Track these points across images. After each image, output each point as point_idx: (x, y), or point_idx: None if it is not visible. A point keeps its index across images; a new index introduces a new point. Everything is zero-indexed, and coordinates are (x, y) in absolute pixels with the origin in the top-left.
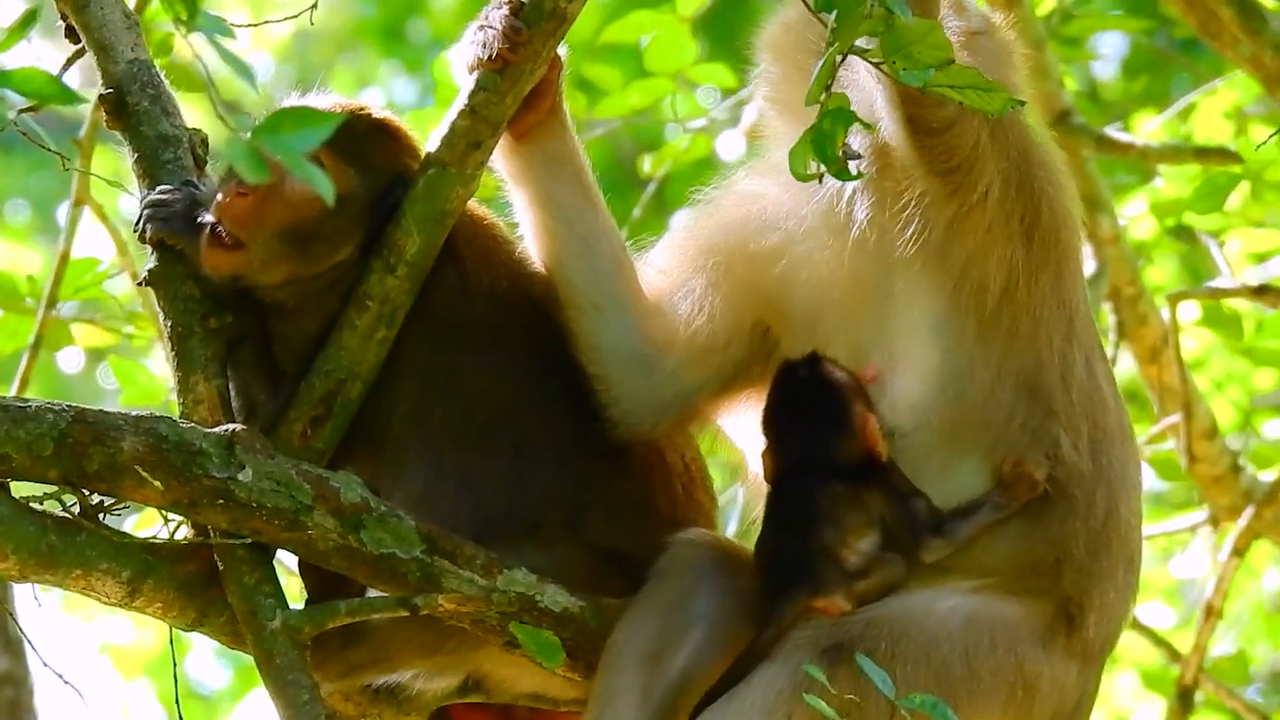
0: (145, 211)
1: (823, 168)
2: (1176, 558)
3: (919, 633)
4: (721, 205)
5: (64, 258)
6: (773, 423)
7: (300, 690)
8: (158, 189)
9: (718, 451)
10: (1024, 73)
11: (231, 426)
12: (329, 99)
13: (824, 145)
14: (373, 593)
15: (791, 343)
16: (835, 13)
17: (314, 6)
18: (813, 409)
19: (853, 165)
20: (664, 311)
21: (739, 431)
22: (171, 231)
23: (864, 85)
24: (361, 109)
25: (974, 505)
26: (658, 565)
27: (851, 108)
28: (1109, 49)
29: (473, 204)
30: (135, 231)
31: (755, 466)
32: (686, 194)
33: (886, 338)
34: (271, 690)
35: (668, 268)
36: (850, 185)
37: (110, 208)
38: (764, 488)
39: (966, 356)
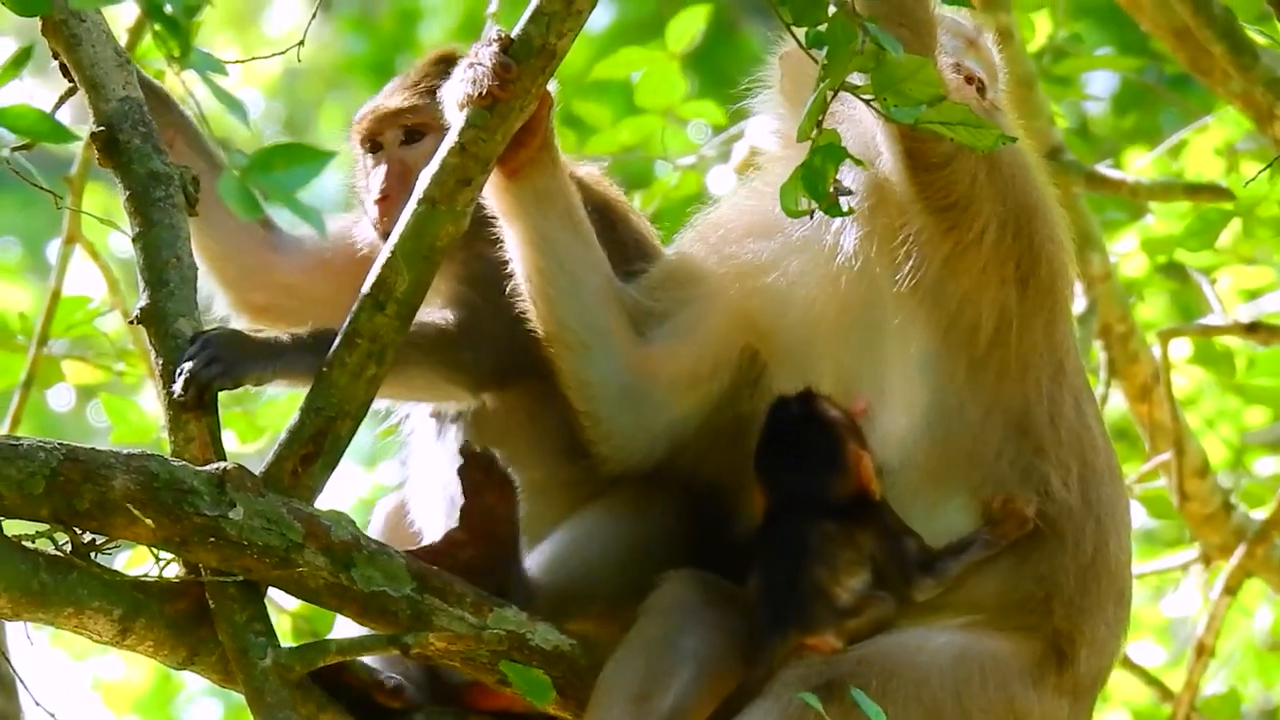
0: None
1: (814, 204)
2: (1168, 596)
3: (910, 670)
4: (714, 226)
5: (55, 295)
6: (764, 459)
7: None
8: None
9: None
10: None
11: (222, 465)
12: None
13: (815, 181)
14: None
15: (779, 370)
16: (826, 49)
17: (301, 43)
18: (806, 446)
19: (843, 201)
20: (652, 344)
21: (726, 464)
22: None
23: (861, 119)
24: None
25: (964, 543)
26: (647, 603)
27: (847, 142)
28: (1099, 86)
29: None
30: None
31: (744, 502)
32: (676, 230)
33: (876, 372)
34: None
35: (655, 298)
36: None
37: (101, 245)
38: (754, 523)
39: (956, 395)
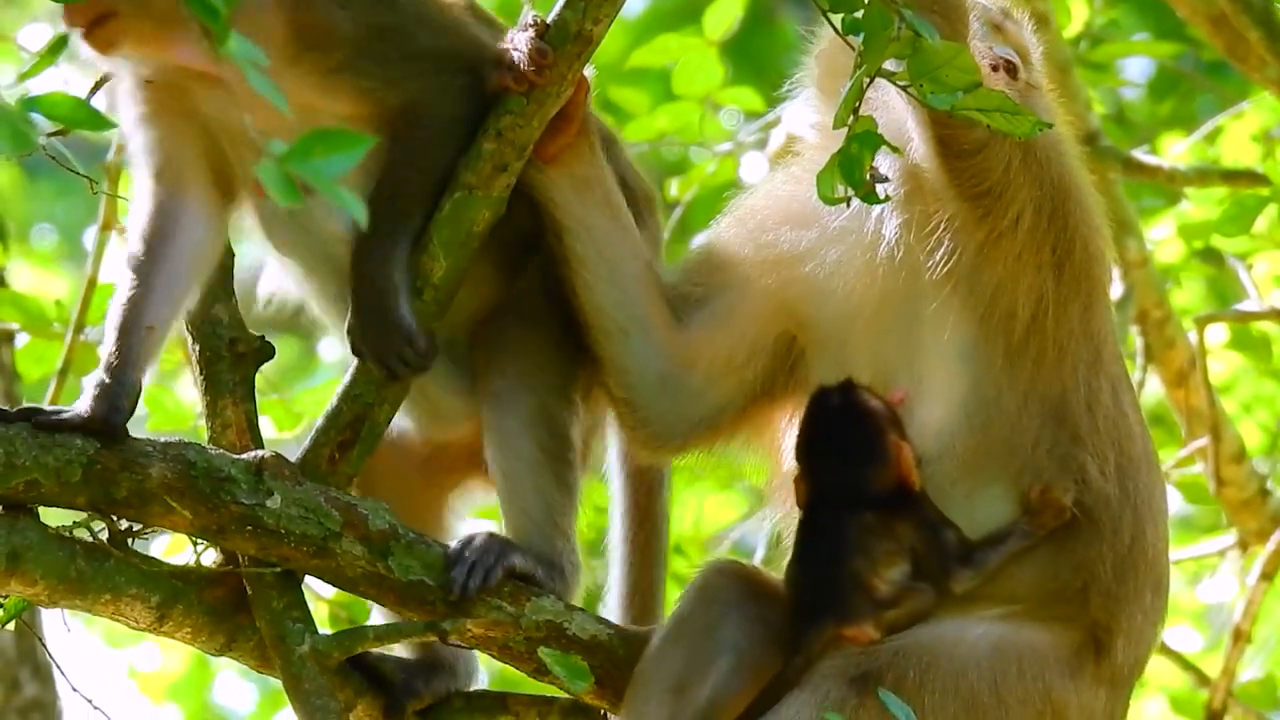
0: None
1: (850, 191)
2: (1204, 582)
3: (947, 661)
4: (752, 211)
5: (91, 283)
6: (806, 450)
7: (328, 714)
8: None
9: (745, 476)
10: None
11: (260, 453)
12: None
13: (851, 169)
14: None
15: (817, 357)
16: (863, 35)
17: None
18: (846, 437)
19: (880, 189)
20: (690, 329)
21: (765, 452)
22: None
23: (894, 107)
24: None
25: (1002, 534)
26: (685, 593)
27: (881, 130)
28: (1135, 72)
29: None
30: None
31: (782, 491)
32: (711, 218)
33: (914, 361)
34: (300, 714)
35: (693, 284)
36: (878, 207)
37: None
38: (793, 513)
39: (994, 383)
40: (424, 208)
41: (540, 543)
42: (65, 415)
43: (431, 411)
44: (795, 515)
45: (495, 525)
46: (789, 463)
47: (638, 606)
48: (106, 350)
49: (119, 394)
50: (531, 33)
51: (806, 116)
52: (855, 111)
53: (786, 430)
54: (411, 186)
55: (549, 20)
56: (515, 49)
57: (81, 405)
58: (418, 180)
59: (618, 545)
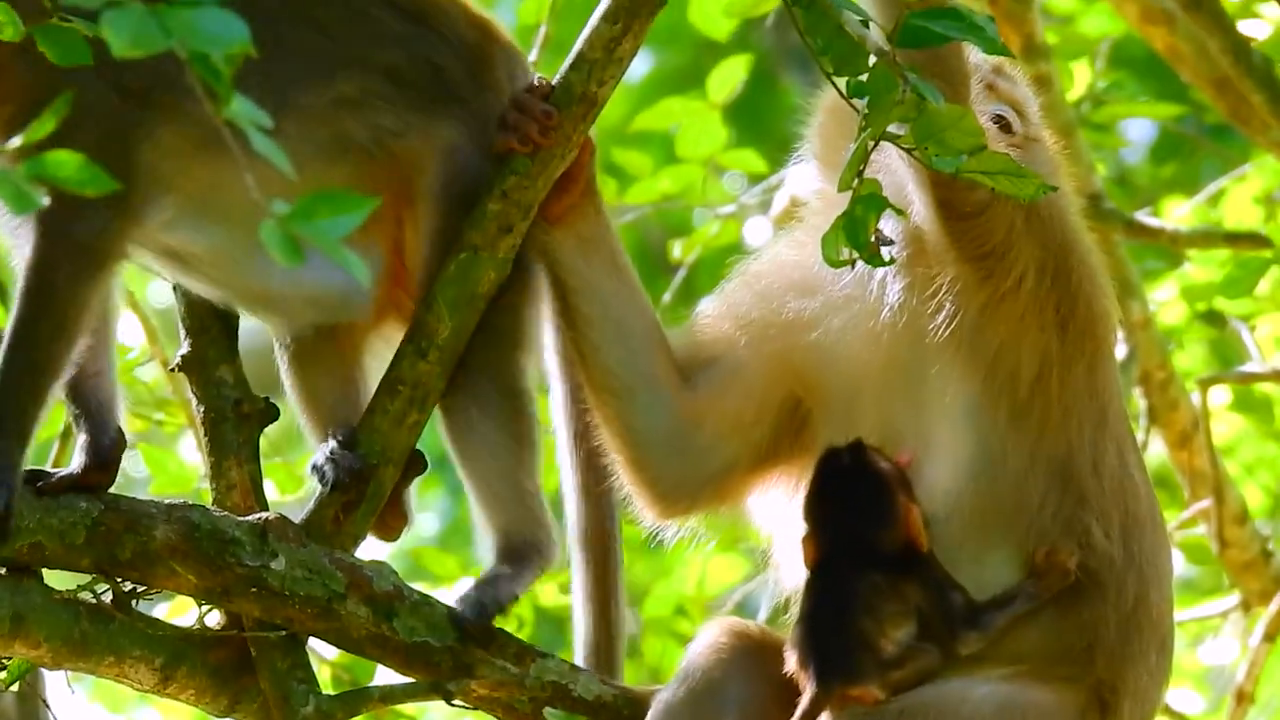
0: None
1: (854, 253)
2: (1206, 643)
3: None
4: (758, 275)
5: None
6: (814, 510)
7: None
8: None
9: (748, 538)
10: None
11: (264, 515)
12: None
13: (856, 231)
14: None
15: (824, 419)
16: (867, 98)
17: None
18: (855, 498)
19: (885, 251)
20: (697, 389)
21: (769, 512)
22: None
23: (895, 169)
24: None
25: (1008, 596)
26: (689, 651)
27: (884, 192)
28: (1137, 135)
29: None
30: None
31: (785, 550)
32: (715, 279)
33: (920, 422)
34: None
35: (701, 344)
36: (882, 269)
37: (140, 294)
38: (801, 574)
39: (999, 444)
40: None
41: (517, 528)
42: (62, 474)
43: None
44: (801, 576)
45: None
46: (797, 523)
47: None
48: (68, 412)
49: (100, 436)
50: (537, 94)
51: (808, 182)
52: (860, 174)
53: (794, 491)
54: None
55: (554, 82)
56: (521, 110)
57: (74, 463)
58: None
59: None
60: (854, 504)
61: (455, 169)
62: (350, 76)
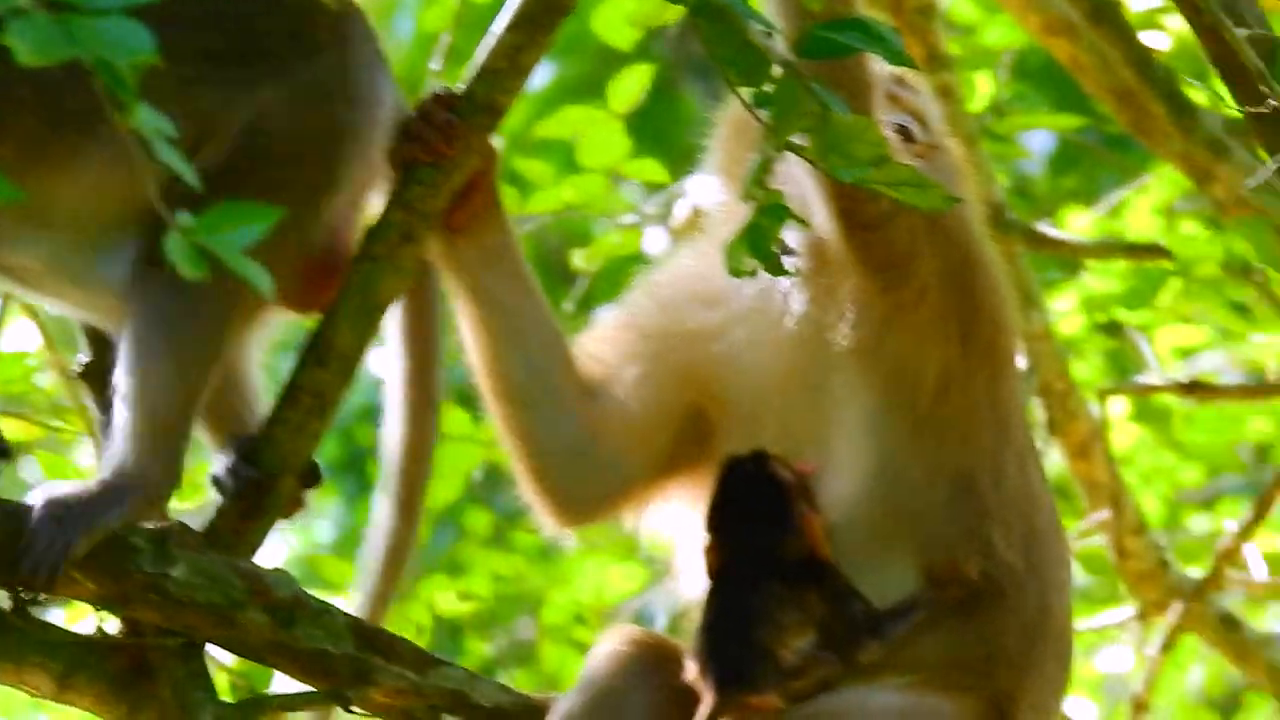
0: None
1: (758, 264)
2: (1103, 652)
3: None
4: (660, 285)
5: None
6: (716, 519)
7: None
8: None
9: (646, 546)
10: (964, 169)
11: (164, 523)
12: None
13: (759, 241)
14: None
15: (727, 430)
16: (772, 109)
17: None
18: (757, 507)
19: (788, 262)
20: (599, 399)
21: (671, 521)
22: None
23: (798, 179)
24: None
25: (908, 605)
26: (589, 660)
27: (787, 202)
28: (1039, 145)
29: None
30: None
31: (686, 559)
32: (615, 289)
33: (822, 433)
34: None
35: (602, 354)
36: (785, 280)
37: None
38: (702, 582)
39: (900, 455)
40: None
41: (126, 459)
42: None
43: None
44: (702, 584)
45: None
46: (699, 532)
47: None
48: None
49: None
50: (440, 104)
51: (711, 193)
52: (763, 185)
53: (696, 501)
54: None
55: (456, 91)
56: (423, 120)
57: None
58: None
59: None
60: (756, 513)
61: (268, 134)
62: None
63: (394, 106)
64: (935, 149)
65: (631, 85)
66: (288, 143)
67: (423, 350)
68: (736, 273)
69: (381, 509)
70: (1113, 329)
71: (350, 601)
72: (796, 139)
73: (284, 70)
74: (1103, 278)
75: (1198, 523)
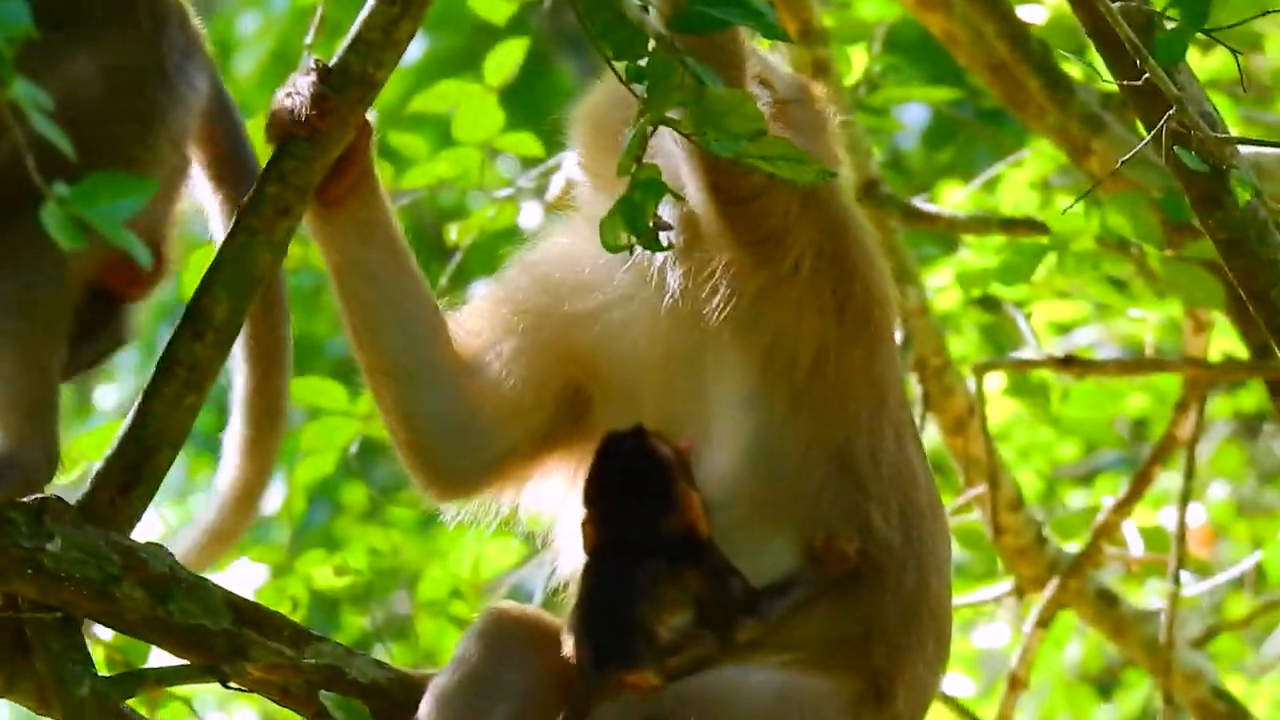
0: None
1: (633, 239)
2: (980, 629)
3: (730, 708)
4: (537, 264)
5: None
6: (594, 495)
7: None
8: None
9: (523, 522)
10: (839, 142)
11: (40, 495)
12: None
13: (635, 217)
14: None
15: (605, 406)
16: (647, 83)
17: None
18: (636, 483)
19: (664, 236)
20: (476, 374)
21: (548, 497)
22: None
23: (669, 153)
24: None
25: (787, 583)
26: (465, 637)
27: (662, 177)
28: (913, 119)
29: None
30: None
31: (565, 535)
32: (490, 264)
33: (699, 409)
34: None
35: (480, 328)
36: (661, 255)
37: None
38: (580, 558)
39: (777, 431)
40: None
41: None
42: None
43: None
44: (580, 560)
45: None
46: (577, 508)
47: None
48: None
49: None
50: (314, 77)
51: (581, 169)
52: (638, 160)
53: (575, 477)
54: None
55: (331, 64)
56: (297, 93)
57: None
58: None
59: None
60: (634, 489)
61: (77, 110)
62: None
63: (212, 97)
64: (788, 104)
65: (506, 59)
66: (97, 121)
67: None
68: (612, 248)
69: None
70: (989, 304)
71: (227, 577)
72: (672, 113)
73: (96, 39)
74: (979, 253)
75: (1075, 498)
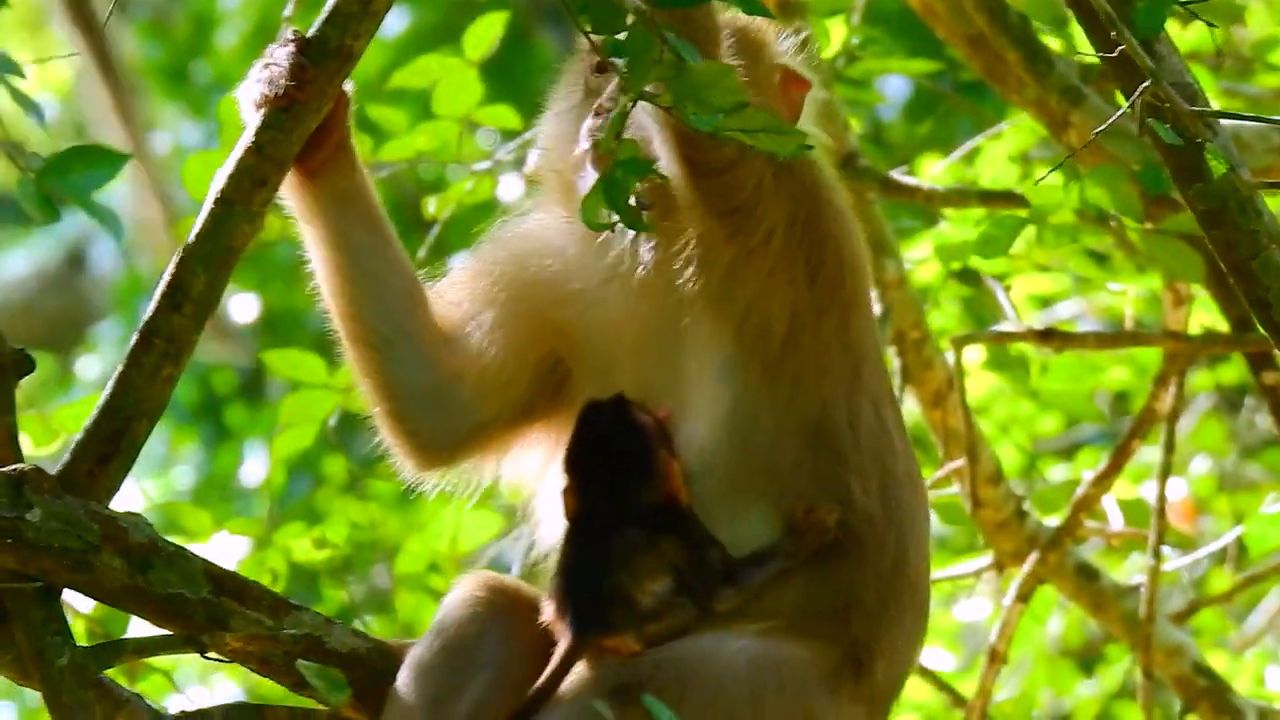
0: None
1: (614, 216)
2: (960, 603)
3: (706, 674)
4: (514, 236)
5: None
6: (575, 463)
7: None
8: None
9: (502, 495)
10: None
11: (20, 466)
12: None
13: (615, 194)
14: None
15: (583, 377)
16: (626, 58)
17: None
18: (616, 452)
19: (645, 214)
20: (456, 344)
21: (528, 467)
22: None
23: (642, 127)
24: None
25: (766, 553)
26: (443, 606)
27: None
28: (893, 92)
29: None
30: None
31: (544, 506)
32: (469, 236)
33: (676, 379)
34: None
35: (459, 300)
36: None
37: None
38: (560, 528)
39: (752, 402)
40: None
41: None
42: None
43: None
44: (560, 529)
45: None
46: (557, 478)
47: None
48: None
49: None
50: (292, 48)
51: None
52: (619, 137)
53: (554, 447)
54: None
55: (309, 35)
56: (276, 64)
57: None
58: None
59: None
60: (615, 457)
61: None
62: None
63: None
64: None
65: (486, 33)
66: None
67: None
68: (593, 225)
69: None
70: (969, 277)
71: (207, 549)
72: (650, 87)
73: None
74: (958, 226)
75: (1055, 472)
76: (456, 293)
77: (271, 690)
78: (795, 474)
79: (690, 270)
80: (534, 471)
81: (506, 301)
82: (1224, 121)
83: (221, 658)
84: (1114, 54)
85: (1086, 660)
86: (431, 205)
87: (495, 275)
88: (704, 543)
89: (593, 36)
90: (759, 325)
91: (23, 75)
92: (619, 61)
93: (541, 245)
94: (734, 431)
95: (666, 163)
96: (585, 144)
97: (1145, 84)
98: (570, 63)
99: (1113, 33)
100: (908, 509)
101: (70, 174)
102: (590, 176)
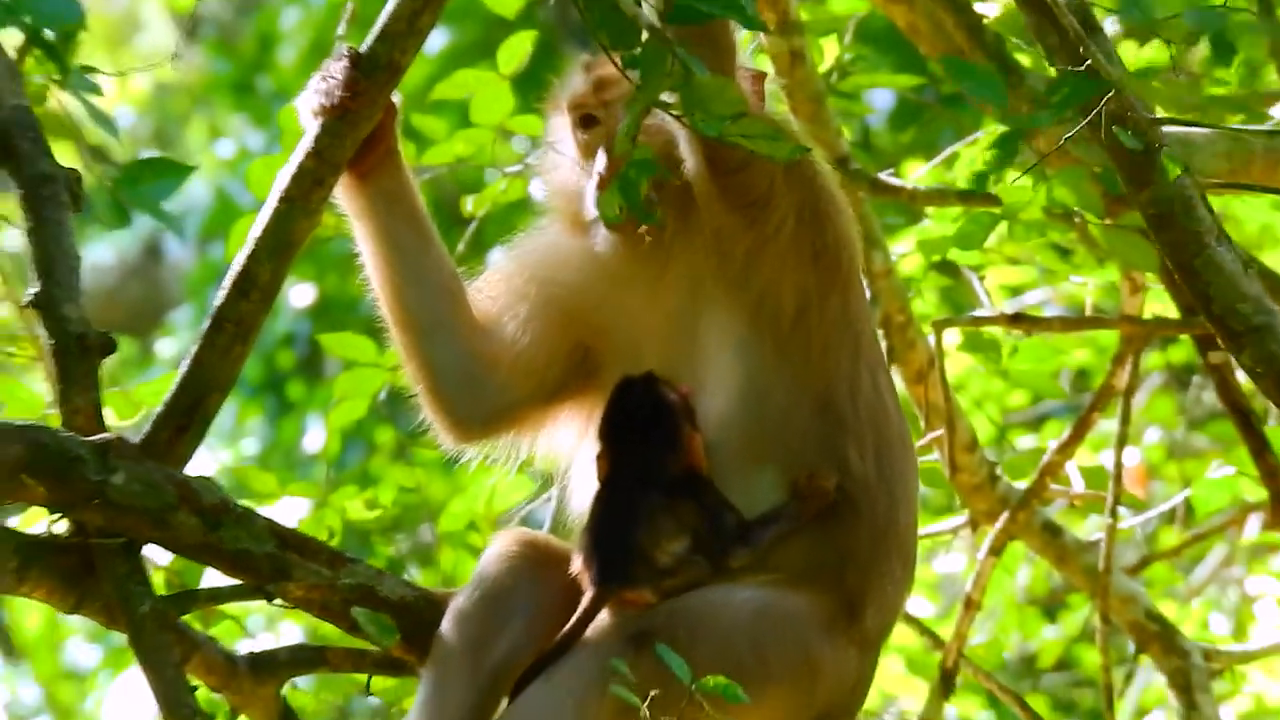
0: None
1: (628, 212)
2: (939, 556)
3: (714, 622)
4: (545, 233)
5: None
6: (608, 433)
7: (167, 666)
8: None
9: (533, 462)
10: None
11: (106, 436)
12: None
13: (629, 191)
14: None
15: (613, 364)
16: (640, 70)
17: (175, 56)
18: (645, 424)
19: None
20: (492, 333)
21: (561, 441)
22: None
23: (668, 132)
24: None
25: (774, 515)
26: (482, 560)
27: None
28: (881, 103)
29: None
30: None
31: (573, 473)
32: (504, 232)
33: (696, 360)
34: (143, 664)
35: (496, 294)
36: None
37: None
38: (589, 491)
39: (765, 378)
40: None
41: None
42: None
43: None
44: (590, 492)
45: None
46: (591, 444)
47: None
48: None
49: None
50: (346, 63)
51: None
52: (632, 139)
53: (585, 424)
54: None
55: (361, 51)
56: (331, 76)
57: None
58: None
59: None
60: (644, 429)
61: None
62: None
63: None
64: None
65: (517, 49)
66: None
67: None
68: (609, 220)
69: None
70: (948, 268)
71: (271, 510)
72: (665, 96)
73: None
74: (938, 222)
75: (1024, 441)
76: (494, 287)
77: (331, 633)
78: (802, 442)
79: (710, 260)
80: (566, 445)
81: (539, 296)
82: (1173, 129)
83: (286, 604)
84: (1080, 69)
85: (1051, 608)
86: (469, 204)
87: (528, 272)
88: (720, 507)
89: (611, 51)
90: (771, 307)
91: (100, 92)
92: (634, 73)
93: (567, 246)
94: (748, 405)
95: (690, 162)
96: (593, 211)
97: (1108, 94)
98: (558, 97)
99: (1081, 48)
100: (898, 470)
101: (141, 184)
102: (602, 236)
